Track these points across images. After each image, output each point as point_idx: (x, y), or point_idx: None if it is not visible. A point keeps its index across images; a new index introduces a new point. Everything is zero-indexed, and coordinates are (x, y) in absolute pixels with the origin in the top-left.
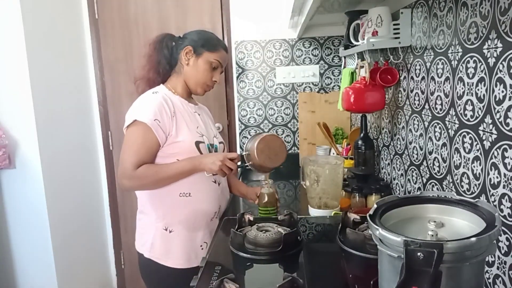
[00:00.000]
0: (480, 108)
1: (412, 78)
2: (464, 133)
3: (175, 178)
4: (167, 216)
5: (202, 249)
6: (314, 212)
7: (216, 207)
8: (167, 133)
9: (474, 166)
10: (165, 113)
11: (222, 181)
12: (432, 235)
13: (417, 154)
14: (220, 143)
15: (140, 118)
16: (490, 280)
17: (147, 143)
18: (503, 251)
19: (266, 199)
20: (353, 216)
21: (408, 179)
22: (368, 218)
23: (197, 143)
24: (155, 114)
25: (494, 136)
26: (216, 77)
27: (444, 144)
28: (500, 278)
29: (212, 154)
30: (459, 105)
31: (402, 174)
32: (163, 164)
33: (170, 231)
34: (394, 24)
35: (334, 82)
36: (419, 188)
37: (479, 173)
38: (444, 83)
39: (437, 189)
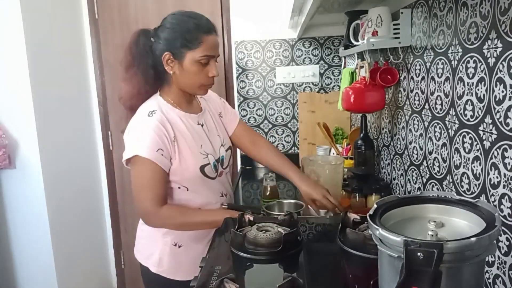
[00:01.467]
0: (480, 108)
1: (412, 78)
2: (464, 133)
3: (201, 227)
4: (177, 233)
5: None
6: (314, 212)
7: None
8: (170, 158)
9: (474, 166)
10: (166, 139)
11: (229, 192)
12: (432, 235)
13: (417, 154)
14: (227, 150)
15: (143, 154)
16: (490, 280)
17: (156, 176)
18: (503, 251)
19: (269, 191)
20: (353, 216)
21: (408, 179)
22: (368, 218)
23: (202, 168)
24: (157, 143)
25: (494, 136)
26: (212, 71)
27: (444, 144)
28: (500, 278)
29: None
30: (459, 105)
31: (402, 174)
32: (192, 209)
33: (179, 246)
34: (394, 24)
35: (334, 82)
36: (419, 188)
37: (479, 173)
38: (444, 83)
39: (437, 189)
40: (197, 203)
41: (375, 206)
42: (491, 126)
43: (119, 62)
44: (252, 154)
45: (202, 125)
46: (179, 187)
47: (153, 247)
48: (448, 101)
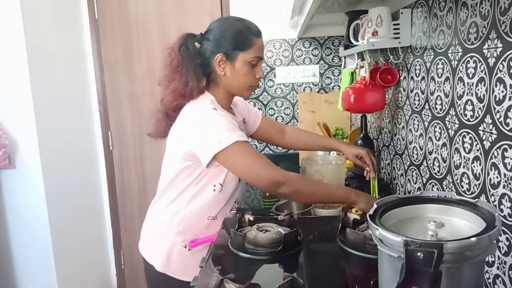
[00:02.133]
0: (480, 108)
1: (412, 78)
2: (464, 133)
3: (329, 197)
4: (189, 235)
5: None
6: (319, 212)
7: None
8: None
9: (474, 166)
10: (238, 126)
11: (239, 198)
12: (432, 235)
13: (417, 154)
14: None
15: (237, 138)
16: (490, 280)
17: (257, 152)
18: (503, 251)
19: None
20: (353, 216)
21: (408, 179)
22: (368, 218)
23: None
24: (237, 128)
25: (494, 136)
26: (259, 73)
27: (444, 144)
28: (500, 278)
29: (368, 196)
30: (459, 105)
31: (402, 174)
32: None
33: (189, 249)
34: (394, 24)
35: (334, 82)
36: (419, 188)
37: (479, 173)
38: (444, 83)
39: (437, 189)
40: (219, 208)
41: (375, 206)
42: (491, 126)
43: (118, 61)
44: (283, 142)
45: (241, 129)
46: (214, 186)
47: (163, 246)
48: (448, 101)
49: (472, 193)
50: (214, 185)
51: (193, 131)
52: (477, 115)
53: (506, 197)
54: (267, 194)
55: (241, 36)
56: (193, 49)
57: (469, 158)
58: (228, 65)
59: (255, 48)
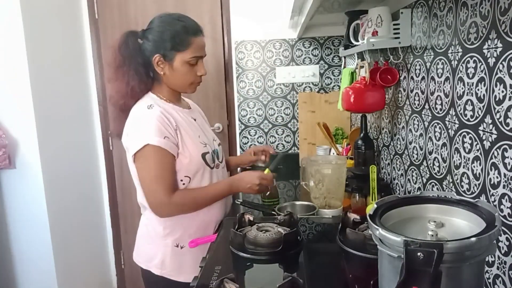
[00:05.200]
0: (480, 108)
1: (412, 78)
2: (464, 133)
3: (212, 201)
4: (177, 231)
5: None
6: (321, 212)
7: (222, 215)
8: (176, 144)
9: (474, 166)
10: (170, 127)
11: None
12: (432, 235)
13: (417, 154)
14: (219, 145)
15: (152, 142)
16: (490, 280)
17: (168, 165)
18: (503, 251)
19: (269, 191)
20: (353, 216)
21: (408, 179)
22: (368, 218)
23: (203, 155)
24: (162, 131)
25: (494, 136)
26: (201, 70)
27: (444, 144)
28: (500, 278)
29: (247, 176)
30: (459, 105)
31: (402, 174)
32: (198, 188)
33: (181, 247)
34: (394, 24)
35: (334, 82)
36: (419, 188)
37: (479, 173)
38: (444, 83)
39: (437, 189)
40: None
41: (375, 206)
42: (491, 126)
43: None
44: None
45: (195, 120)
46: (182, 181)
47: (155, 249)
48: (448, 101)
49: (472, 193)
50: (181, 180)
51: (129, 134)
52: (477, 115)
53: (506, 197)
54: (267, 193)
55: (178, 37)
56: (134, 47)
57: (469, 158)
58: (167, 65)
59: (192, 48)
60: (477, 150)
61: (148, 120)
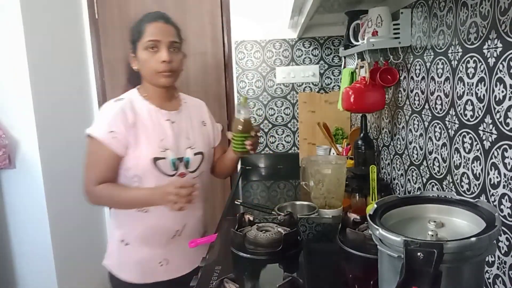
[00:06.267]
0: (480, 108)
1: (412, 78)
2: (464, 133)
3: (130, 204)
4: (124, 228)
5: (161, 265)
6: (321, 212)
7: (179, 225)
8: (126, 144)
9: (474, 166)
10: (123, 123)
11: (200, 198)
12: (432, 235)
13: (417, 154)
14: (196, 154)
15: (93, 133)
16: (490, 280)
17: (103, 159)
18: (503, 251)
19: (242, 125)
20: (353, 216)
21: (408, 179)
22: (368, 218)
23: (155, 160)
24: (109, 125)
25: (494, 136)
26: (162, 55)
27: (444, 144)
28: (500, 278)
29: (159, 188)
30: (459, 105)
31: (402, 174)
32: (122, 187)
33: (126, 244)
34: (394, 24)
35: (334, 82)
36: (419, 188)
37: (479, 173)
38: (444, 83)
39: (437, 189)
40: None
41: (375, 206)
42: (491, 126)
43: (119, 61)
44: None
45: (172, 122)
46: (133, 178)
47: (109, 240)
48: (448, 101)
49: (472, 193)
50: (132, 178)
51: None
52: (477, 115)
53: (506, 197)
54: (239, 128)
55: (135, 29)
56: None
57: (469, 158)
58: (136, 58)
59: (147, 33)
60: (477, 150)
61: (104, 112)
